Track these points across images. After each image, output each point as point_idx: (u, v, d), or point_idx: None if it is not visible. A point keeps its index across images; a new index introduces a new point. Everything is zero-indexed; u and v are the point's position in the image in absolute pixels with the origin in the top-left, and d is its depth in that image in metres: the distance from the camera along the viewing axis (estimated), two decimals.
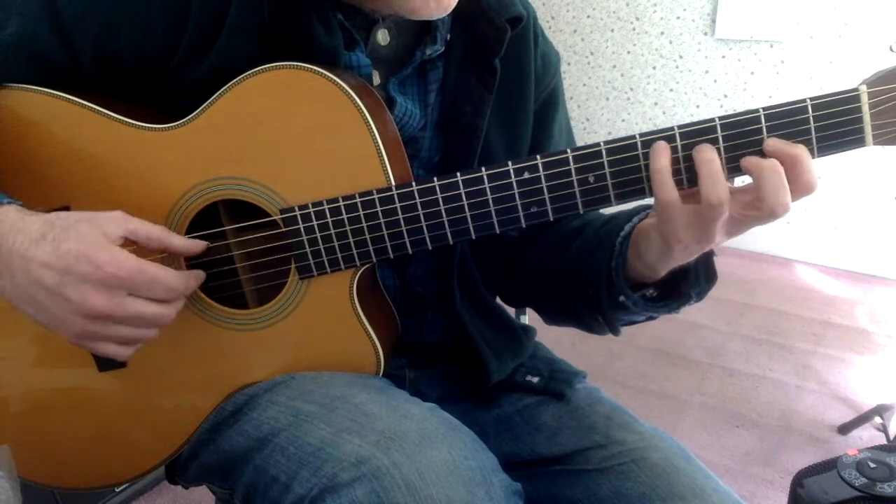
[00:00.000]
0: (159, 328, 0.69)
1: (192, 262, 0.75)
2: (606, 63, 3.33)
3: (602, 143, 0.66)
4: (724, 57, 3.02)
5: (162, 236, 0.69)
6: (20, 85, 0.72)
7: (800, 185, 0.61)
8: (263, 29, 0.72)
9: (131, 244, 0.66)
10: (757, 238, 3.09)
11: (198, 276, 0.72)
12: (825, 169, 2.86)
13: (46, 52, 0.72)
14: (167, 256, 0.73)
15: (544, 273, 0.85)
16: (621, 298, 0.73)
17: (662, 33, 3.14)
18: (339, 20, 0.74)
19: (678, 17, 3.08)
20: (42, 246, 0.62)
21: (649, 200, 0.76)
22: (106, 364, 0.77)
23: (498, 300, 0.94)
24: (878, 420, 1.89)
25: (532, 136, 0.86)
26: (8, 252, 0.63)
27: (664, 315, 0.76)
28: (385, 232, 0.71)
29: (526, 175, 0.67)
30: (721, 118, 0.63)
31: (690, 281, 0.72)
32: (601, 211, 0.74)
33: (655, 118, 3.28)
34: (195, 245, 0.72)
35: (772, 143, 0.62)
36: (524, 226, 0.69)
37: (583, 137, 3.37)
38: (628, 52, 3.26)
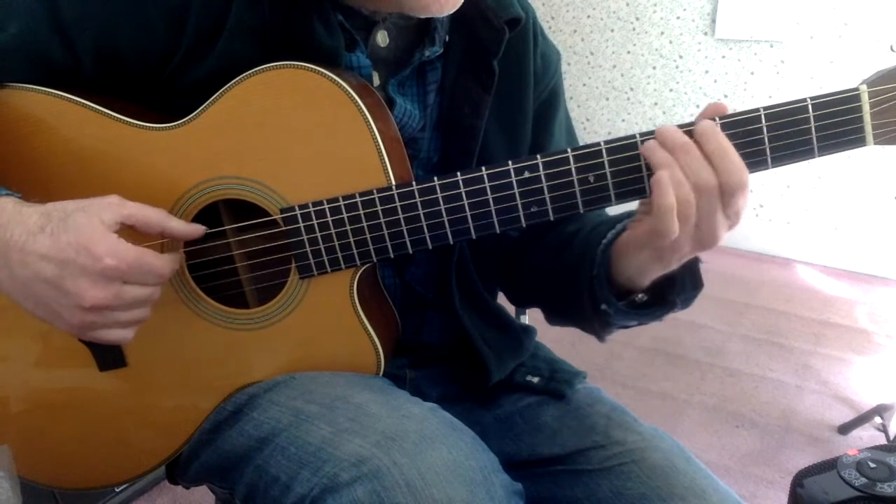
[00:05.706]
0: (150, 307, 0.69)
1: (191, 260, 0.75)
2: (606, 63, 3.33)
3: (602, 143, 0.66)
4: (724, 57, 3.02)
5: (160, 220, 0.68)
6: (21, 84, 0.72)
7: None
8: (264, 30, 0.72)
9: (129, 228, 0.66)
10: (757, 238, 3.08)
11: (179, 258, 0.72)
12: (825, 168, 2.86)
13: (47, 52, 0.72)
14: (167, 241, 0.73)
15: (543, 276, 0.86)
16: (602, 307, 0.74)
17: (662, 33, 3.14)
18: (339, 21, 0.74)
19: (678, 17, 3.08)
20: (41, 238, 0.62)
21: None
22: (106, 364, 0.77)
23: (499, 300, 0.94)
24: (878, 420, 1.89)
25: (533, 136, 0.86)
26: (6, 245, 0.63)
27: (653, 322, 0.76)
28: (385, 231, 0.70)
29: (526, 175, 0.67)
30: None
31: (676, 289, 0.72)
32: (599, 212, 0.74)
33: (655, 118, 3.28)
34: (195, 229, 0.71)
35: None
36: (524, 225, 0.69)
37: (583, 137, 3.35)
38: (628, 52, 3.26)
